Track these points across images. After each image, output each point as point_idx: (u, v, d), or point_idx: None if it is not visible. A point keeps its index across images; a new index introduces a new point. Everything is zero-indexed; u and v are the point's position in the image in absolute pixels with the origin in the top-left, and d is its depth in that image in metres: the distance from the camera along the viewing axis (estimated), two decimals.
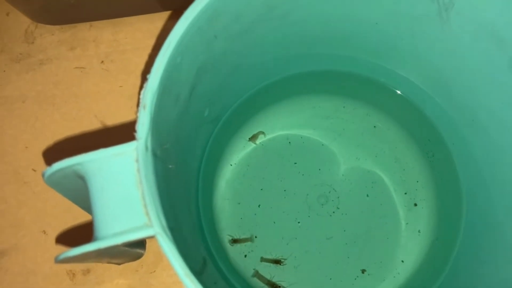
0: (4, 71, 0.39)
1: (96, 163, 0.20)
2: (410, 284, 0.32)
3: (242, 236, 0.33)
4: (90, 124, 0.37)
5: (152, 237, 0.19)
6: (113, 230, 0.19)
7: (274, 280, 0.32)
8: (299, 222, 0.34)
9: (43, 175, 0.20)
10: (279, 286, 0.32)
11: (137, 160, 0.20)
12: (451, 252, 0.31)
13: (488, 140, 0.29)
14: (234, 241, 0.33)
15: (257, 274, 0.32)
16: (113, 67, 0.38)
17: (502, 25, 0.24)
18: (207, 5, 0.21)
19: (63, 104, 0.38)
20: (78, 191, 0.22)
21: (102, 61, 0.38)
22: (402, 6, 0.26)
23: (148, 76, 0.20)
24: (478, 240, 0.30)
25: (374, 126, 0.35)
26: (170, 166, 0.23)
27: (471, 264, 0.30)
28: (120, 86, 0.38)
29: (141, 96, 0.20)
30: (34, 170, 0.36)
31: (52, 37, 0.39)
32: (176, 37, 0.21)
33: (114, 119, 0.37)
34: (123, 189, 0.19)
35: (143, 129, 0.20)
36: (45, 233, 0.35)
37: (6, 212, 0.36)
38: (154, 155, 0.20)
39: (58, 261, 0.20)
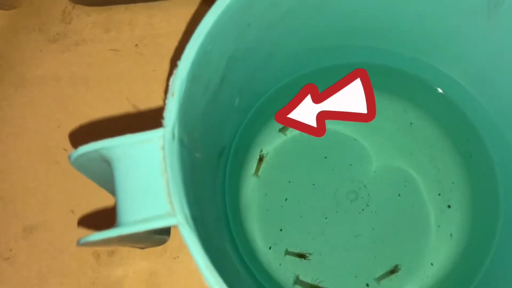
0: (41, 50, 0.39)
1: (122, 149, 0.19)
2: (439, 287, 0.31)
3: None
4: (122, 106, 0.37)
5: (174, 225, 0.19)
6: (136, 217, 0.19)
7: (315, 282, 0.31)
8: (326, 218, 0.33)
9: (69, 157, 0.20)
10: None
11: (163, 148, 0.19)
12: (485, 258, 0.30)
13: None
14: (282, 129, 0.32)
15: (299, 281, 0.32)
16: (147, 51, 0.38)
17: None
18: None
19: (96, 86, 0.38)
20: (104, 175, 0.22)
21: (136, 45, 0.38)
22: None
23: (178, 62, 0.20)
24: None
25: (411, 123, 0.34)
26: (197, 155, 0.23)
27: (506, 271, 0.29)
28: (153, 70, 0.38)
29: (170, 83, 0.20)
30: (65, 150, 0.37)
31: (88, 18, 0.39)
32: (208, 25, 0.20)
33: (145, 103, 0.37)
34: (148, 176, 0.19)
35: (170, 116, 0.19)
36: (73, 212, 0.36)
37: (36, 190, 0.36)
38: (181, 143, 0.20)
39: (80, 244, 0.20)
